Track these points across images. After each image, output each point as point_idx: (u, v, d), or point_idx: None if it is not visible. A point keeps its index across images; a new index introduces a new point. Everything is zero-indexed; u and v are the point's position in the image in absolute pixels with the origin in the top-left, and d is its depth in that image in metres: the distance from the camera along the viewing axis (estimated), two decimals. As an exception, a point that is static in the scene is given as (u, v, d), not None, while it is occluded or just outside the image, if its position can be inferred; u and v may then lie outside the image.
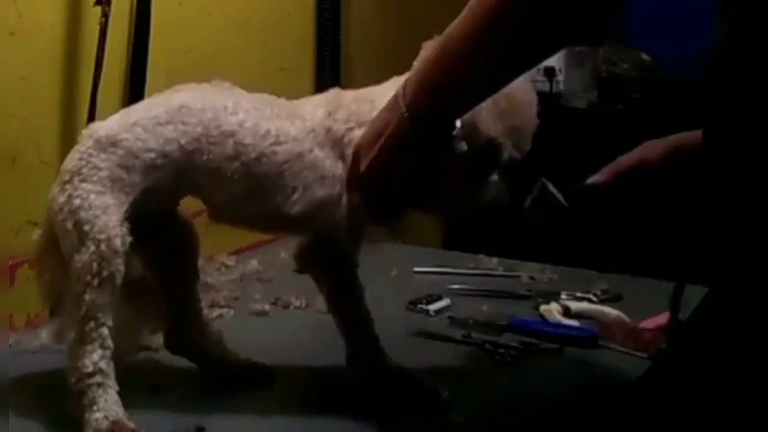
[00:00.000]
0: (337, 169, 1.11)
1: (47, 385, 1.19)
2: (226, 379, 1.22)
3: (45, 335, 1.31)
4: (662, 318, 1.45)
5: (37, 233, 1.14)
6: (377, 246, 1.17)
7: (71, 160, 1.10)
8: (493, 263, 1.78)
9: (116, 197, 1.08)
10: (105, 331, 1.06)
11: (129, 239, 1.07)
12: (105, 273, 1.05)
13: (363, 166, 1.06)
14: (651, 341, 1.37)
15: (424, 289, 1.60)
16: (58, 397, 1.13)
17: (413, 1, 2.28)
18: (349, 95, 1.16)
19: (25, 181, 1.42)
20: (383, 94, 1.09)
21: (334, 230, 1.13)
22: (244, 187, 1.11)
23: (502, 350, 1.35)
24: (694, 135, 1.07)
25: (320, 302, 1.53)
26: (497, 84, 1.00)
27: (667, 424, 1.30)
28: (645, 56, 2.58)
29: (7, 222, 1.40)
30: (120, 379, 1.08)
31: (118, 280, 1.06)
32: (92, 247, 1.05)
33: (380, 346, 1.21)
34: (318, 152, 1.12)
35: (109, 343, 1.06)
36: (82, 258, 1.06)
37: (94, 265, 1.05)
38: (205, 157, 1.11)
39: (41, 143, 1.45)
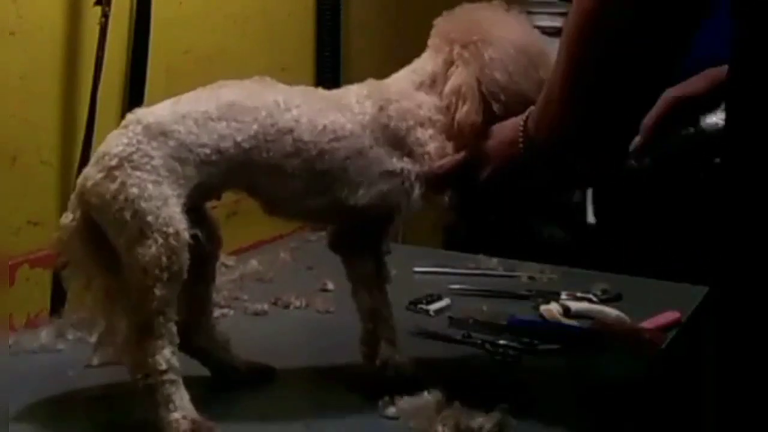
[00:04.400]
0: (401, 164, 1.15)
1: (47, 385, 1.19)
2: (229, 382, 1.22)
3: (45, 335, 1.31)
4: (662, 318, 1.45)
5: (66, 217, 1.09)
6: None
7: (117, 145, 1.06)
8: (493, 263, 1.78)
9: (173, 189, 1.06)
10: (173, 326, 1.06)
11: (191, 232, 1.07)
12: (175, 267, 1.04)
13: (484, 174, 1.12)
14: (651, 341, 1.37)
15: (424, 289, 1.59)
16: (57, 397, 1.13)
17: (413, 1, 2.28)
18: (391, 89, 1.18)
19: (25, 181, 1.42)
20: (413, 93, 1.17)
21: (397, 217, 1.17)
22: (306, 183, 1.13)
23: (502, 350, 1.35)
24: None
25: (320, 302, 1.53)
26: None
27: (667, 424, 1.30)
28: (645, 56, 2.57)
29: (7, 222, 1.40)
30: (120, 379, 1.07)
31: (185, 275, 1.06)
32: (160, 240, 1.03)
33: (395, 339, 1.21)
34: (378, 149, 1.14)
35: (176, 339, 1.06)
36: (148, 251, 1.03)
37: (164, 258, 1.03)
38: (264, 155, 1.11)
39: (41, 143, 1.45)
